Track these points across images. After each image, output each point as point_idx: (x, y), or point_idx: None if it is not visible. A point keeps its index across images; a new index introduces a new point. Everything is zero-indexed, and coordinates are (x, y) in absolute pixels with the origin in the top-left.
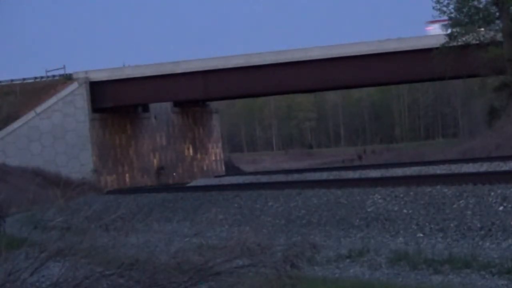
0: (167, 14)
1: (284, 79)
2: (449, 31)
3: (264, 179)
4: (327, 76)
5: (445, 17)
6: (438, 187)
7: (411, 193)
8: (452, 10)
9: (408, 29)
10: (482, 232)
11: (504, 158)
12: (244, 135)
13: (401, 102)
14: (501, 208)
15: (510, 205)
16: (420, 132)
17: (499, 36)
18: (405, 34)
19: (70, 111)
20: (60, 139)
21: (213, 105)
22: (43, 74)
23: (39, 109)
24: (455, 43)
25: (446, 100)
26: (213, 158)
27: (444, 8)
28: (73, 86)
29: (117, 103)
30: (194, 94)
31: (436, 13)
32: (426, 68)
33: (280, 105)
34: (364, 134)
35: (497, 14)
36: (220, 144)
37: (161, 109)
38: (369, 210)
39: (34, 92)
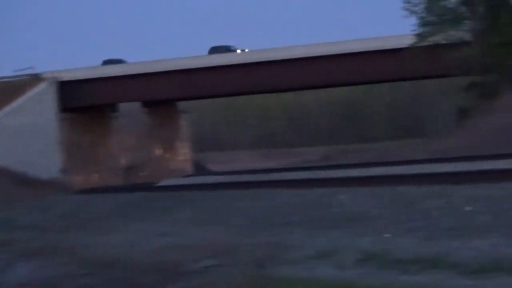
0: (137, 14)
1: (256, 79)
2: (418, 31)
3: (234, 179)
4: (299, 76)
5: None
6: (406, 187)
7: (379, 193)
8: (422, 10)
9: (378, 29)
10: (450, 232)
11: (472, 159)
12: (214, 134)
13: (373, 102)
14: (468, 208)
15: (477, 205)
16: (390, 132)
17: (468, 36)
18: (374, 34)
19: (39, 111)
20: (29, 139)
21: (182, 104)
22: (11, 74)
23: (7, 108)
24: (424, 43)
25: (416, 100)
26: (182, 158)
27: (414, 8)
28: (42, 85)
29: (86, 103)
30: (164, 94)
31: (406, 13)
32: (397, 68)
33: (251, 104)
34: (335, 134)
35: (467, 14)
36: (189, 144)
37: (130, 109)
38: (337, 210)
39: (3, 91)
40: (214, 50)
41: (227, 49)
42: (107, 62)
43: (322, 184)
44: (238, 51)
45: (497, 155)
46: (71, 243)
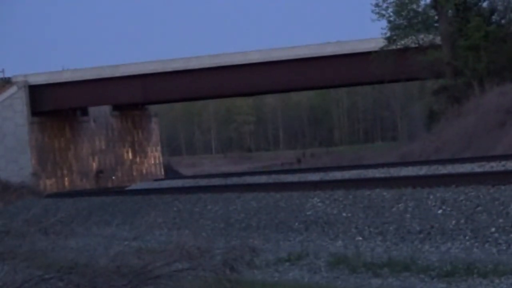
0: (105, 17)
1: (223, 83)
2: (388, 34)
3: (203, 182)
4: (266, 79)
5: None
6: (377, 190)
7: (350, 196)
8: (391, 14)
9: (347, 33)
10: (421, 235)
11: (443, 162)
12: (183, 138)
13: (340, 105)
14: (440, 211)
15: (449, 209)
16: (359, 136)
17: (438, 40)
18: (344, 37)
19: (9, 115)
20: None
21: (152, 108)
22: None
23: None
24: (394, 47)
25: (385, 104)
26: (152, 161)
27: (383, 12)
28: (12, 89)
29: (56, 106)
30: (133, 97)
31: (375, 16)
32: (365, 72)
33: (219, 108)
34: (303, 138)
35: (436, 17)
36: (159, 148)
37: (100, 113)
38: (308, 213)
39: None
40: None
41: None
42: None
43: (295, 187)
44: None
45: (466, 158)
46: (33, 248)
